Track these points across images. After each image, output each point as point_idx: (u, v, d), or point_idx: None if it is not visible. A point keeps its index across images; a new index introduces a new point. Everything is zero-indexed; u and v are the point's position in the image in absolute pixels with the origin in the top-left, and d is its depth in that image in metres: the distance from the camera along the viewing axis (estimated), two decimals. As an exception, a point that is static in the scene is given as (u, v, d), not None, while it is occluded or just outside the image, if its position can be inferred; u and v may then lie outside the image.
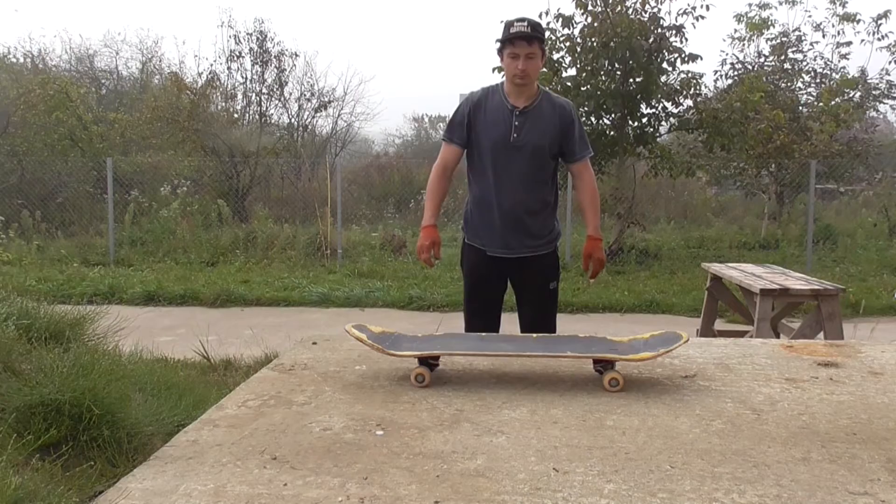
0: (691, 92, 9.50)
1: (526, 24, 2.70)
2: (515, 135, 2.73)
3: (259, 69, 14.57)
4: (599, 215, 2.84)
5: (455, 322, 2.65)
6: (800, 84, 13.61)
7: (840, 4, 13.12)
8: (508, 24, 2.71)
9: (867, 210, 13.40)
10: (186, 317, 6.82)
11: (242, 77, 14.69)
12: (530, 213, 2.79)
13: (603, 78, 9.34)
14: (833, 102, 11.69)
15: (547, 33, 9.31)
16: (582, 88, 9.21)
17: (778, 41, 13.50)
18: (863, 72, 13.43)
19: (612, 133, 9.58)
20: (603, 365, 1.86)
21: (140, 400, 2.07)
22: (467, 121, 2.78)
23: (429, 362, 1.88)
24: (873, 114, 14.40)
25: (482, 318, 2.69)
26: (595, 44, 9.01)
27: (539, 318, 2.67)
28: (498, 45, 2.75)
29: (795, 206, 12.86)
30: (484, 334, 2.17)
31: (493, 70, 9.27)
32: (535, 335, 2.15)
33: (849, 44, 13.30)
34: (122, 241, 10.43)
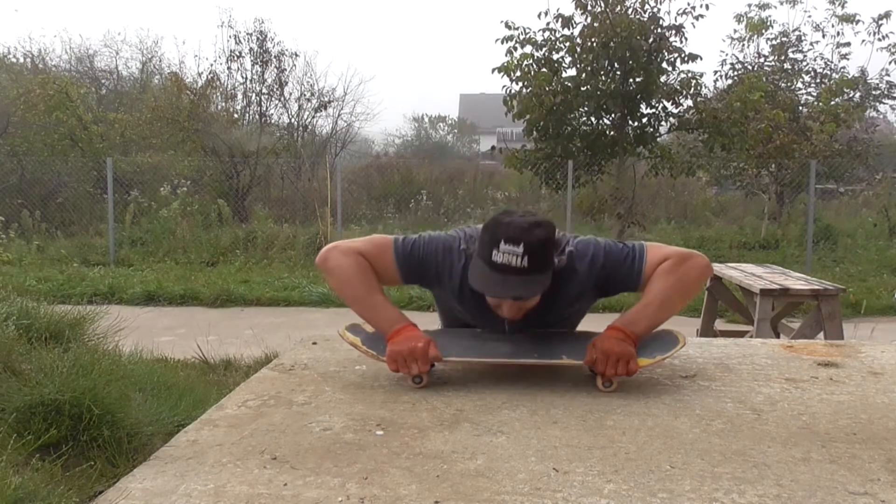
0: (691, 92, 9.51)
1: (521, 251, 1.62)
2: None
3: (259, 69, 14.57)
4: (658, 307, 1.75)
5: (455, 322, 2.60)
6: (800, 84, 13.62)
7: (840, 5, 13.13)
8: (493, 241, 1.65)
9: (867, 210, 13.40)
10: (186, 317, 6.82)
11: (242, 77, 14.70)
12: None
13: (603, 78, 9.35)
14: (833, 102, 11.70)
15: (547, 34, 9.36)
16: (582, 88, 9.21)
17: (778, 41, 13.50)
18: (863, 72, 13.44)
19: (612, 133, 9.59)
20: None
21: (140, 400, 2.07)
22: (431, 285, 1.90)
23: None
24: (873, 114, 14.41)
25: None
26: (595, 44, 9.02)
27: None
28: (470, 277, 1.74)
29: (795, 206, 12.86)
30: (479, 331, 1.99)
31: (494, 71, 9.30)
32: (531, 332, 1.95)
33: (848, 44, 13.32)
34: (122, 241, 10.43)
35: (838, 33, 13.29)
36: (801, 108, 12.68)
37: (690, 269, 1.77)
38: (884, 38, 13.01)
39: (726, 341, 2.26)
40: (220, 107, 14.13)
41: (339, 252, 1.80)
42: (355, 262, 1.77)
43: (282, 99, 15.09)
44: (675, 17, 9.29)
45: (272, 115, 15.20)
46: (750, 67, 13.38)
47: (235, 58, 14.45)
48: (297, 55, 14.86)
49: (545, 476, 1.26)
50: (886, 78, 13.49)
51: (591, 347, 1.72)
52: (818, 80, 13.44)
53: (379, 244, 1.81)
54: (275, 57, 14.51)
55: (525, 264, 1.63)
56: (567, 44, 9.32)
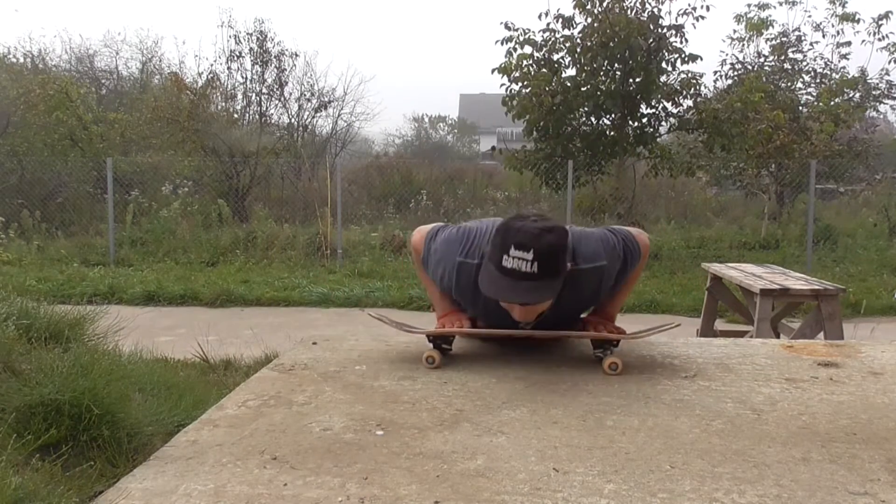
0: (691, 92, 9.51)
1: (530, 257, 1.64)
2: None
3: (259, 69, 14.57)
4: (622, 298, 2.04)
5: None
6: (800, 84, 13.62)
7: (840, 4, 13.12)
8: (503, 246, 1.68)
9: (867, 210, 13.40)
10: (186, 317, 6.82)
11: (242, 77, 14.70)
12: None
13: (602, 78, 9.34)
14: (833, 102, 11.69)
15: (547, 34, 9.36)
16: (582, 88, 9.21)
17: (778, 41, 13.50)
18: (863, 72, 13.43)
19: (612, 133, 9.58)
20: (603, 350, 1.92)
21: (140, 400, 2.07)
22: (456, 291, 1.95)
23: (441, 346, 1.96)
24: (873, 114, 14.40)
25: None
26: (594, 44, 9.02)
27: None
28: (481, 282, 1.78)
29: (795, 206, 12.86)
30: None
31: (493, 71, 9.29)
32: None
33: (849, 44, 13.32)
34: (122, 241, 10.43)
35: (838, 33, 13.30)
36: (801, 108, 12.68)
37: (641, 268, 2.03)
38: (884, 38, 13.02)
39: (726, 341, 2.26)
40: (220, 107, 14.12)
41: (413, 241, 2.06)
42: (417, 257, 2.04)
43: (282, 99, 15.10)
44: (676, 18, 9.29)
45: (272, 115, 15.22)
46: (750, 67, 13.37)
47: (235, 58, 14.45)
48: (297, 55, 14.87)
49: (545, 476, 1.26)
50: (886, 78, 13.49)
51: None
52: (818, 80, 13.43)
53: (416, 249, 2.03)
54: (275, 57, 14.51)
55: (535, 270, 1.64)
56: (567, 44, 9.32)
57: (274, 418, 1.54)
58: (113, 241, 10.08)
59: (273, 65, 14.55)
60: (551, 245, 1.66)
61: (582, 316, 2.07)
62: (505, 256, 1.65)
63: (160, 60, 17.91)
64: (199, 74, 14.40)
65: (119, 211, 10.80)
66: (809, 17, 20.89)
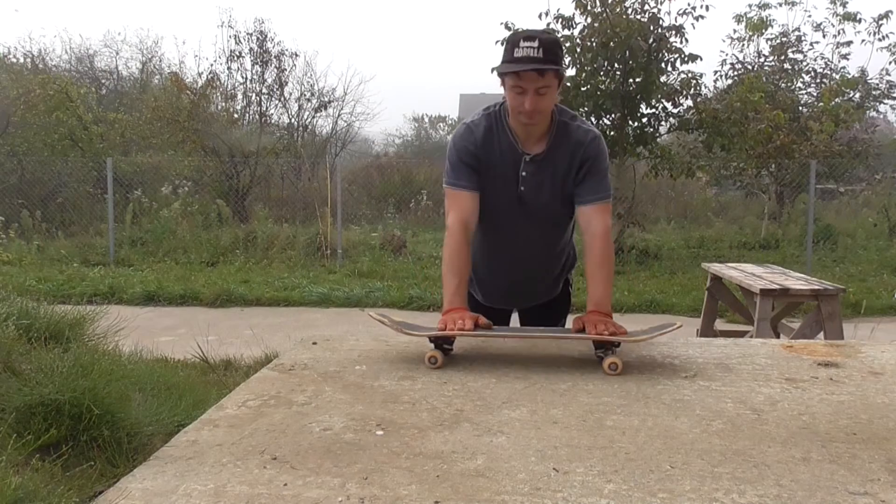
0: (691, 92, 9.50)
1: (536, 45, 1.93)
2: (523, 188, 2.09)
3: (259, 69, 14.59)
4: (611, 284, 2.08)
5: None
6: (800, 84, 13.62)
7: (840, 4, 13.13)
8: (513, 43, 1.96)
9: (867, 210, 13.40)
10: (186, 317, 6.82)
11: (242, 77, 14.72)
12: (539, 279, 2.29)
13: (602, 78, 9.34)
14: (833, 102, 11.70)
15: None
16: (582, 89, 9.20)
17: (778, 41, 13.51)
18: (863, 72, 13.44)
19: (612, 133, 9.57)
20: (604, 350, 1.92)
21: (140, 400, 2.07)
22: (475, 160, 2.10)
23: (443, 347, 1.96)
24: (873, 114, 14.41)
25: None
26: (594, 44, 9.01)
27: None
28: (498, 68, 2.01)
29: (795, 206, 12.86)
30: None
31: (493, 71, 9.28)
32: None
33: (849, 44, 13.33)
34: (123, 241, 10.43)
35: (839, 32, 13.31)
36: (801, 108, 12.69)
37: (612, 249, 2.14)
38: (884, 38, 13.03)
39: (726, 341, 2.26)
40: (220, 107, 14.14)
41: (446, 233, 2.12)
42: (446, 244, 2.09)
43: (282, 99, 15.11)
44: (675, 18, 9.29)
45: (272, 115, 15.24)
46: (750, 67, 13.38)
47: (235, 58, 14.47)
48: (297, 55, 14.90)
49: (545, 476, 1.26)
50: (886, 78, 13.50)
51: (576, 320, 2.00)
52: (818, 81, 13.44)
53: (448, 196, 2.13)
54: (275, 57, 14.53)
55: (541, 55, 1.94)
56: (567, 44, 9.31)
57: (274, 418, 1.54)
58: (113, 241, 10.09)
59: (273, 65, 14.58)
60: (553, 37, 2.04)
61: (574, 316, 2.10)
62: (515, 49, 1.95)
63: (160, 60, 17.96)
64: (199, 74, 14.44)
65: (119, 211, 10.81)
66: (809, 17, 20.95)
